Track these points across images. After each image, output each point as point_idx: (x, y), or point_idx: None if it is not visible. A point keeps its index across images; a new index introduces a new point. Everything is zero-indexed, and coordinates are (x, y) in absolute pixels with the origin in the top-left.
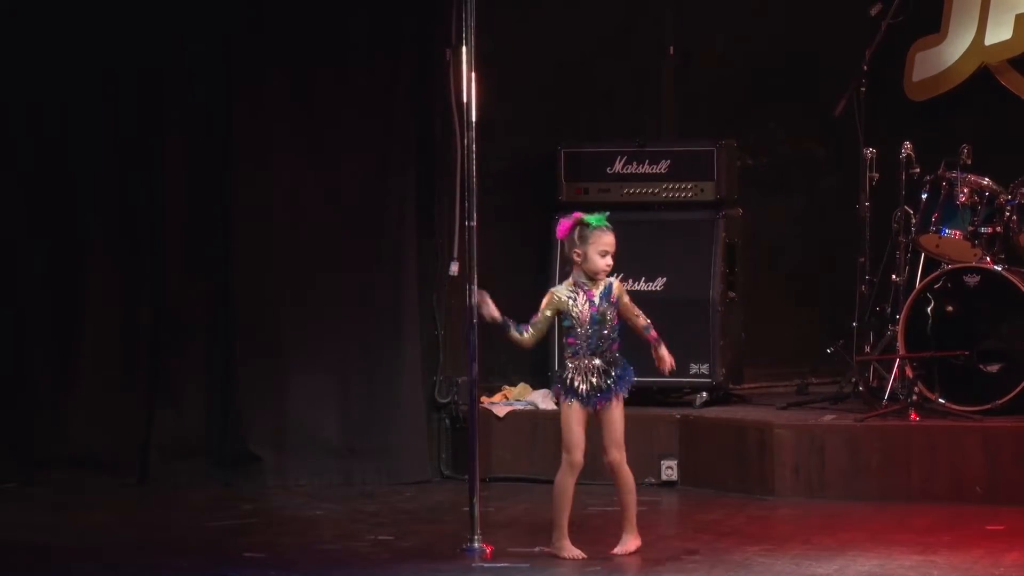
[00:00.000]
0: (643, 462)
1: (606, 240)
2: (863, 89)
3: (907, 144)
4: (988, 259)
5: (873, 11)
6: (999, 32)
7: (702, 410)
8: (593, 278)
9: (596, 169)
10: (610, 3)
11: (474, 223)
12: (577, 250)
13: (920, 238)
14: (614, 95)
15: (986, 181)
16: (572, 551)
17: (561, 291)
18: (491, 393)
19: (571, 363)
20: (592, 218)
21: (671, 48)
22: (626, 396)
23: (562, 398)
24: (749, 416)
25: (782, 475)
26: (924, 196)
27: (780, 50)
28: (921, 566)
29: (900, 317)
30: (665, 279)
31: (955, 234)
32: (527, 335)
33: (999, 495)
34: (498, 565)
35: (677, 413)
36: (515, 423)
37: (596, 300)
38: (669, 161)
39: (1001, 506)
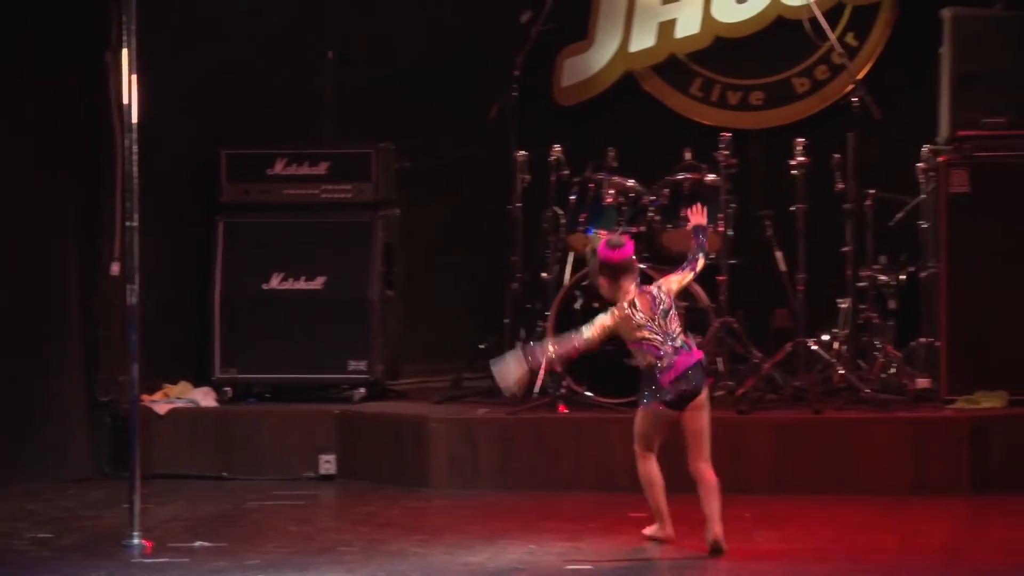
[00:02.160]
0: (302, 456)
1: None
2: (515, 94)
3: (557, 147)
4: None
5: (524, 18)
6: (643, 40)
7: (360, 405)
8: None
9: (257, 170)
10: (271, 7)
11: (135, 223)
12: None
13: (569, 237)
14: (276, 98)
15: (631, 183)
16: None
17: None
18: (152, 391)
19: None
20: (597, 241)
21: (330, 53)
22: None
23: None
24: (406, 411)
25: (437, 467)
26: (572, 197)
27: (438, 56)
28: (569, 552)
29: (550, 313)
30: (325, 278)
31: (602, 234)
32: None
33: (639, 483)
34: (158, 560)
35: (336, 408)
36: (176, 421)
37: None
38: (328, 163)
39: (643, 494)
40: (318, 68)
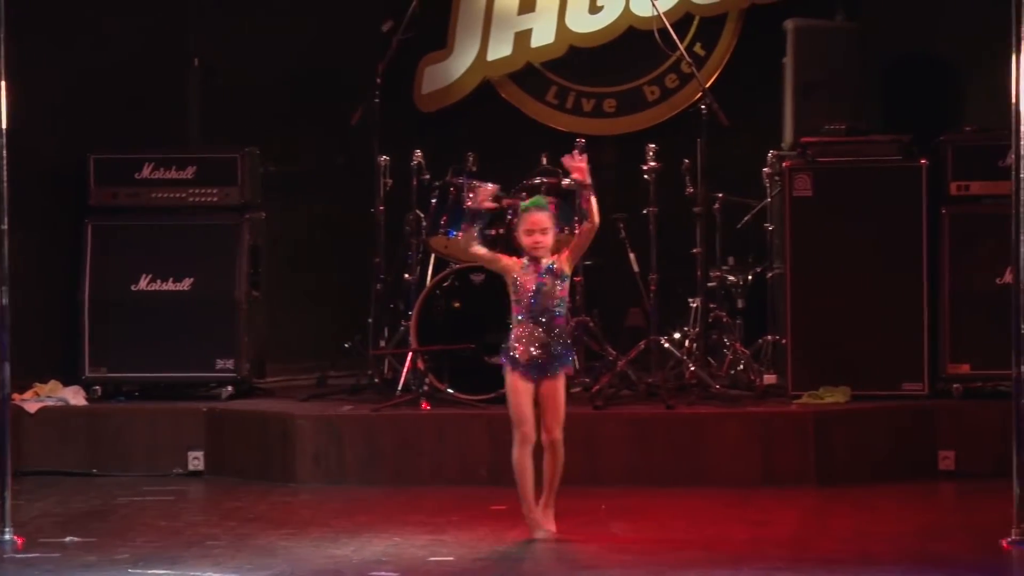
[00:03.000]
0: (171, 453)
1: (531, 220)
2: (377, 101)
3: (418, 152)
4: None
5: (385, 27)
6: (500, 49)
7: (228, 403)
8: (531, 255)
9: (125, 175)
10: (139, 14)
11: (4, 227)
12: (515, 233)
13: (430, 240)
14: (144, 104)
15: (490, 186)
16: (549, 524)
17: (512, 262)
18: (23, 390)
19: (517, 330)
20: (526, 202)
21: (196, 59)
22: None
23: (505, 368)
24: (272, 408)
25: (303, 463)
26: (433, 201)
27: (303, 62)
28: (431, 544)
29: (412, 313)
30: (192, 279)
31: (462, 236)
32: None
33: (502, 477)
34: (29, 556)
35: (204, 406)
36: (46, 419)
37: (542, 272)
38: (195, 167)
39: (504, 488)
40: (185, 74)
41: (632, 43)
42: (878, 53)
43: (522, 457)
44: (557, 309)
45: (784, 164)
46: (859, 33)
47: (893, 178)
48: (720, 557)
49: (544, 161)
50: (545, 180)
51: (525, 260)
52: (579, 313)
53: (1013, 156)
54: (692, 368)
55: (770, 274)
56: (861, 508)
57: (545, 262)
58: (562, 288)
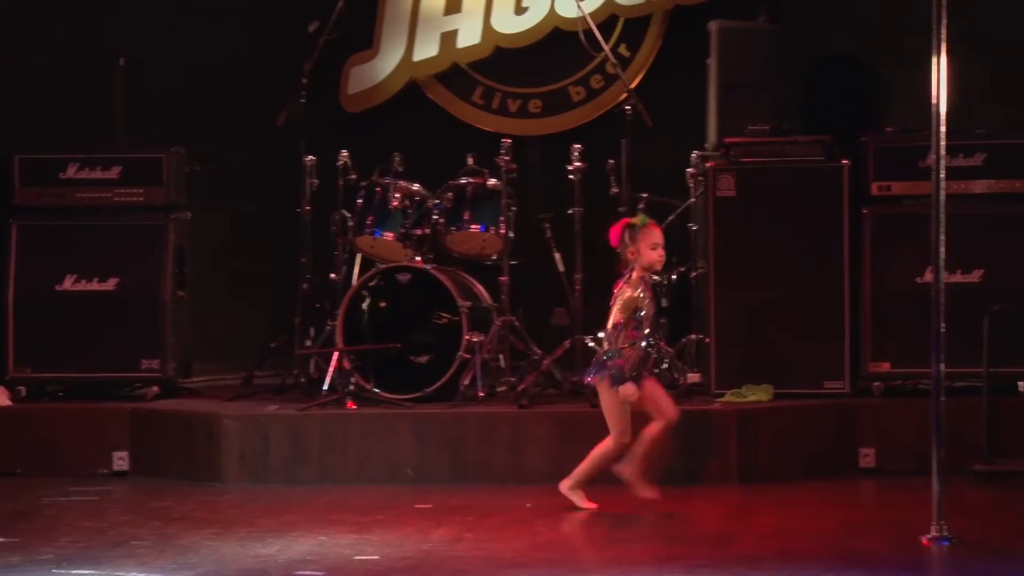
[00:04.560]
0: (96, 453)
1: (656, 234)
2: (303, 101)
3: (344, 152)
4: (418, 259)
5: (311, 27)
6: (426, 49)
7: (153, 403)
8: (652, 271)
9: (50, 175)
10: (64, 13)
11: None
12: (630, 249)
13: (357, 239)
14: (69, 104)
15: (416, 187)
16: (587, 501)
17: (635, 292)
18: None
19: (631, 354)
20: (638, 220)
21: (122, 59)
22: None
23: (606, 384)
24: (198, 408)
25: (229, 463)
26: (360, 201)
27: (229, 63)
28: (357, 543)
29: (338, 313)
30: (118, 279)
31: (388, 236)
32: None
33: (428, 476)
34: None
35: (129, 406)
36: None
37: (650, 292)
38: (121, 167)
39: (429, 486)
40: (110, 74)
41: (558, 44)
42: (801, 54)
43: (613, 454)
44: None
45: (708, 164)
46: (782, 34)
47: (815, 178)
48: (643, 556)
49: (470, 161)
50: (471, 180)
51: (638, 281)
52: (504, 312)
53: (933, 157)
54: None
55: (694, 273)
56: (783, 506)
57: (651, 280)
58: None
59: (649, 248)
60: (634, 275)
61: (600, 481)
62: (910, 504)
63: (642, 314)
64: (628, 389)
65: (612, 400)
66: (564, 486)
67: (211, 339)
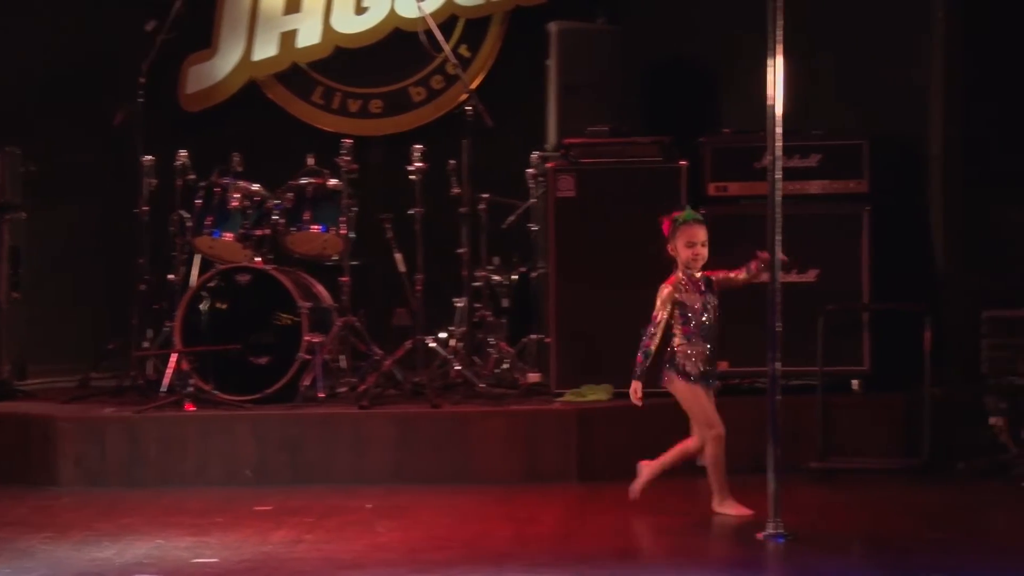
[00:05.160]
0: None
1: (692, 232)
2: (141, 100)
3: (182, 152)
4: (258, 259)
5: (148, 27)
6: (265, 49)
7: None
8: (689, 269)
9: None
10: None
11: None
12: (670, 244)
13: (195, 240)
14: None
15: (256, 187)
16: (740, 508)
17: (671, 287)
18: None
19: (688, 349)
20: (681, 215)
21: None
22: None
23: (677, 382)
24: (33, 410)
25: (65, 466)
26: (198, 201)
27: (65, 61)
28: (195, 546)
29: (177, 314)
30: None
31: (227, 236)
32: (654, 346)
33: (267, 477)
34: None
35: None
36: None
37: (703, 290)
38: None
39: (269, 488)
40: None
41: (398, 44)
42: (640, 56)
43: (721, 452)
44: (717, 324)
45: (548, 165)
46: (621, 36)
47: (654, 179)
48: (484, 555)
49: (311, 162)
50: (312, 180)
51: (680, 277)
52: (345, 313)
53: (769, 157)
54: (457, 367)
55: (534, 274)
56: (622, 504)
57: (700, 277)
58: (718, 303)
59: (685, 245)
60: (677, 273)
61: (444, 480)
62: (747, 501)
63: (689, 313)
64: (633, 386)
65: (684, 393)
66: (716, 506)
67: (47, 341)
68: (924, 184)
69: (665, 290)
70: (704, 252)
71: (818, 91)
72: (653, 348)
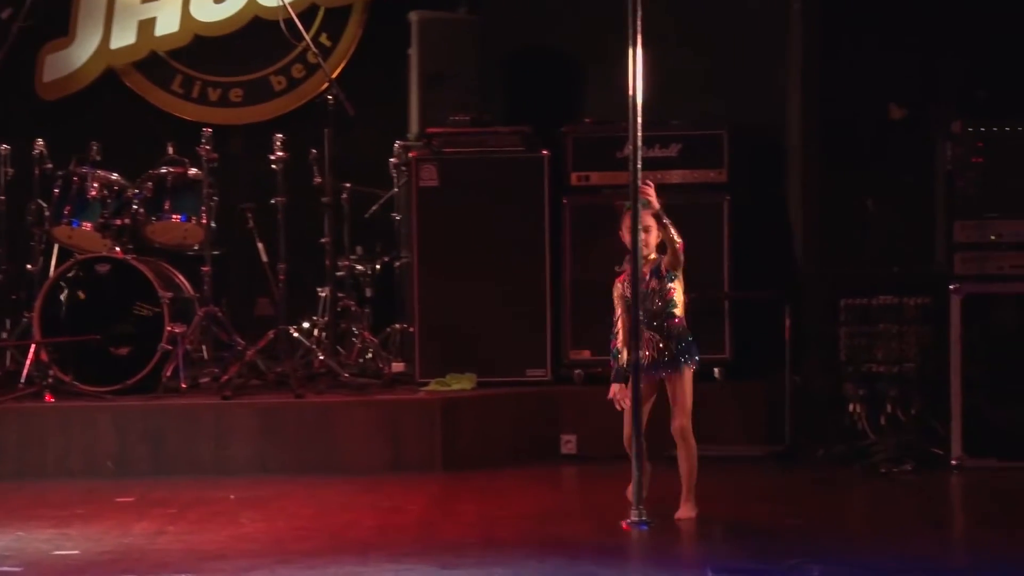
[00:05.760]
0: None
1: (630, 218)
2: None
3: (40, 141)
4: (118, 249)
5: (4, 14)
6: (123, 37)
7: None
8: (641, 255)
9: None
10: None
11: None
12: (620, 231)
13: (54, 230)
14: None
15: (115, 176)
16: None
17: (622, 283)
18: None
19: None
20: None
21: None
22: (694, 368)
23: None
24: None
25: None
26: (57, 190)
27: None
28: (56, 539)
29: (35, 305)
30: None
31: (87, 226)
32: (620, 344)
33: (129, 469)
34: None
35: None
36: None
37: (647, 278)
38: None
39: (131, 479)
40: None
41: (258, 33)
42: (502, 46)
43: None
44: (669, 309)
45: (410, 154)
46: (482, 26)
47: (516, 168)
48: (348, 545)
49: (171, 150)
50: (172, 170)
51: (625, 269)
52: (207, 303)
53: (631, 147)
54: (321, 357)
55: (398, 263)
56: (486, 493)
57: (652, 261)
58: (672, 288)
59: (628, 230)
60: (625, 265)
61: (308, 470)
62: (610, 490)
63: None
64: (612, 389)
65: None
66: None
67: None
68: (783, 175)
69: (615, 290)
70: (648, 238)
71: (681, 84)
72: (619, 346)
